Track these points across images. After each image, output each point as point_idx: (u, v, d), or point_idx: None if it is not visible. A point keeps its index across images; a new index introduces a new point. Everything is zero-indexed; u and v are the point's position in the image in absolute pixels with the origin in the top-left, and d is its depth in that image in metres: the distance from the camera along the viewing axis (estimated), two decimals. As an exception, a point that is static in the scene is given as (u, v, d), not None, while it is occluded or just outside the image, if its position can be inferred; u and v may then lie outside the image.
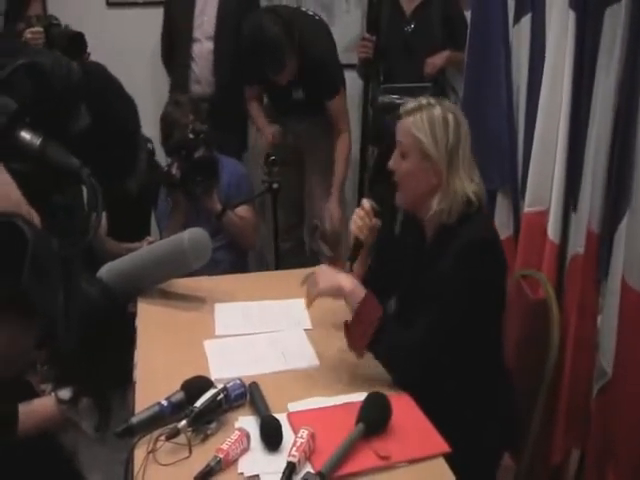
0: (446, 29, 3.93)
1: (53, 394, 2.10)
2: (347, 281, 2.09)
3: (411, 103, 2.15)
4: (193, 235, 2.53)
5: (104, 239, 3.88)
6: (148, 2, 4.33)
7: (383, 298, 2.26)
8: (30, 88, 1.09)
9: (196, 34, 4.19)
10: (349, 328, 2.06)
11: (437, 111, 2.11)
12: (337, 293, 2.09)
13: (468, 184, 2.11)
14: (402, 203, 2.23)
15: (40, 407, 2.06)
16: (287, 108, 4.02)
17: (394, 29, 3.96)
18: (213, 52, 4.17)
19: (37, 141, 1.07)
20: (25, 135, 1.07)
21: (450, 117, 2.11)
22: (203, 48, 4.19)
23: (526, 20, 2.65)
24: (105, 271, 2.59)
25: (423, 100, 2.14)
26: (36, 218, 1.03)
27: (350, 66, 4.36)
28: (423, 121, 2.10)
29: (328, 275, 2.14)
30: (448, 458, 1.78)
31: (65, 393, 2.11)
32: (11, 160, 1.06)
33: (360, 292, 2.05)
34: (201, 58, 4.19)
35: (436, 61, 3.88)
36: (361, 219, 2.30)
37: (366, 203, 2.31)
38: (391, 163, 2.19)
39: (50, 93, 1.12)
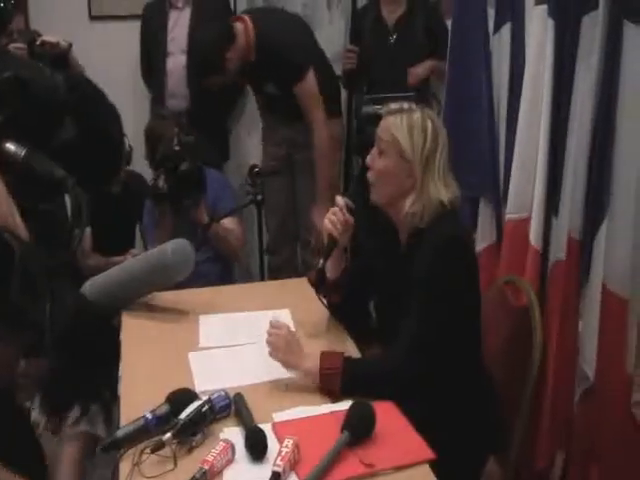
0: (428, 39, 3.96)
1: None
2: (302, 360, 2.09)
3: (394, 105, 2.20)
4: (176, 246, 2.53)
5: (88, 254, 3.88)
6: (130, 15, 4.33)
7: (362, 302, 2.28)
8: (15, 101, 1.10)
9: (170, 48, 4.21)
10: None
11: (417, 116, 2.15)
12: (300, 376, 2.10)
13: (443, 190, 2.13)
14: (376, 200, 2.23)
15: None
16: (269, 105, 4.03)
17: (377, 40, 3.99)
18: (186, 65, 4.17)
19: (22, 152, 1.07)
20: (10, 146, 1.07)
21: (429, 124, 2.14)
22: (177, 61, 4.20)
23: (506, 29, 2.68)
24: (88, 286, 2.59)
25: (405, 104, 2.19)
26: (23, 230, 1.03)
27: (334, 77, 4.39)
28: (402, 123, 2.13)
29: (287, 356, 2.11)
30: (433, 465, 1.78)
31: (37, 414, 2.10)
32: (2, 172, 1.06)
33: (314, 360, 2.06)
34: (175, 72, 4.21)
35: (419, 71, 3.91)
36: (334, 215, 2.30)
37: (340, 200, 2.31)
38: (368, 159, 2.21)
39: (35, 105, 1.12)
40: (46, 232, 1.14)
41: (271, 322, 2.16)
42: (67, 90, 1.18)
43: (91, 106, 1.25)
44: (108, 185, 1.33)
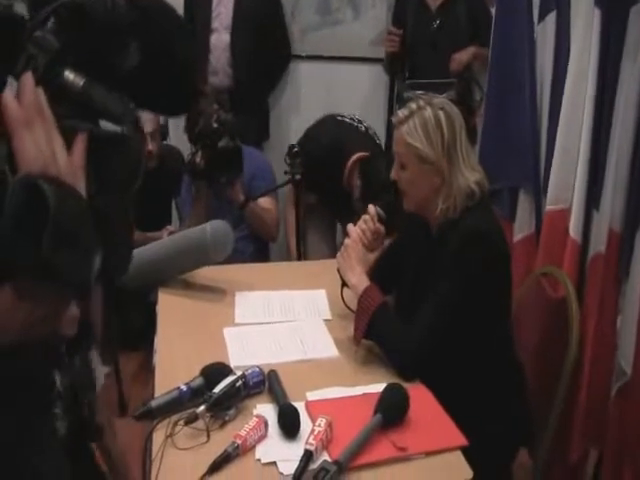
0: (471, 25, 3.93)
1: None
2: (353, 275, 2.19)
3: (402, 111, 2.16)
4: (215, 228, 2.52)
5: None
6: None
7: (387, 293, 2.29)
8: (72, 26, 1.04)
9: (214, 25, 4.21)
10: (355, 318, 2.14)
11: (428, 113, 2.11)
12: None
13: (470, 175, 2.12)
14: (409, 208, 2.24)
15: None
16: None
17: (420, 25, 3.97)
18: (230, 43, 4.18)
19: (81, 82, 1.02)
20: (69, 75, 1.01)
21: (441, 115, 2.11)
22: (220, 39, 4.20)
23: (551, 18, 2.65)
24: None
25: (413, 104, 2.15)
26: (72, 175, 0.96)
27: (376, 60, 4.38)
28: (416, 127, 2.11)
29: (341, 267, 2.24)
30: (464, 452, 1.78)
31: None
32: (57, 103, 0.99)
33: (362, 284, 2.15)
34: (218, 49, 4.21)
35: (462, 57, 3.88)
36: (365, 223, 2.29)
37: (372, 208, 2.30)
38: (393, 174, 2.21)
39: (93, 30, 1.06)
40: (107, 172, 1.08)
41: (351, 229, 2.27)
42: (128, 9, 1.11)
43: (158, 25, 1.18)
44: (184, 111, 1.26)
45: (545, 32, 2.71)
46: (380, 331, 2.08)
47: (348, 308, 2.31)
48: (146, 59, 1.09)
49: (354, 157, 3.43)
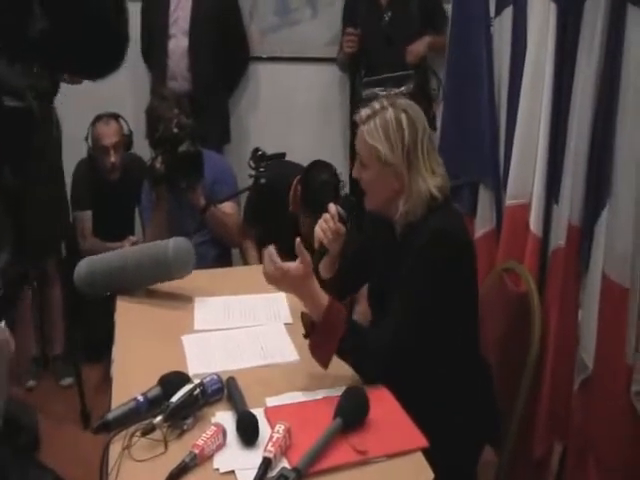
0: (423, 13, 3.93)
1: None
2: (307, 290, 1.99)
3: (365, 110, 2.13)
4: (178, 245, 2.48)
5: (88, 237, 3.88)
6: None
7: (354, 287, 2.26)
8: None
9: (172, 30, 4.19)
10: (312, 333, 2.00)
11: (389, 114, 2.08)
12: (297, 296, 2.03)
13: (431, 180, 2.09)
14: (370, 208, 2.22)
15: None
16: None
17: (371, 21, 3.96)
18: (188, 48, 4.16)
19: None
20: None
21: (403, 117, 2.08)
22: (179, 44, 4.19)
23: (507, 12, 2.65)
24: (85, 265, 2.57)
25: (376, 104, 2.12)
26: None
27: (333, 60, 4.37)
28: (377, 128, 2.08)
29: (291, 280, 1.99)
30: (427, 453, 1.76)
31: None
32: None
33: (321, 301, 1.97)
34: (176, 54, 4.19)
35: (417, 48, 3.89)
36: (326, 222, 2.27)
37: (332, 207, 2.28)
38: (354, 172, 2.19)
39: None
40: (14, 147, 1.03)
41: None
42: None
43: None
44: (108, 73, 1.19)
45: (502, 26, 2.71)
46: (349, 349, 1.99)
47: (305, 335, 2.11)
48: (56, 21, 1.05)
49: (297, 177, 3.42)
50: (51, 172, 1.08)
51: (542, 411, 2.48)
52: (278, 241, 3.54)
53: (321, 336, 1.98)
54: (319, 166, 3.36)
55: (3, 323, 2.30)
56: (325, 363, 1.99)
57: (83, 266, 2.58)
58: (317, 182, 3.28)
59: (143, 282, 2.57)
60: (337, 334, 1.96)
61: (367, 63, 4.01)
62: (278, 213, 3.56)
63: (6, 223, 0.89)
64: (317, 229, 2.28)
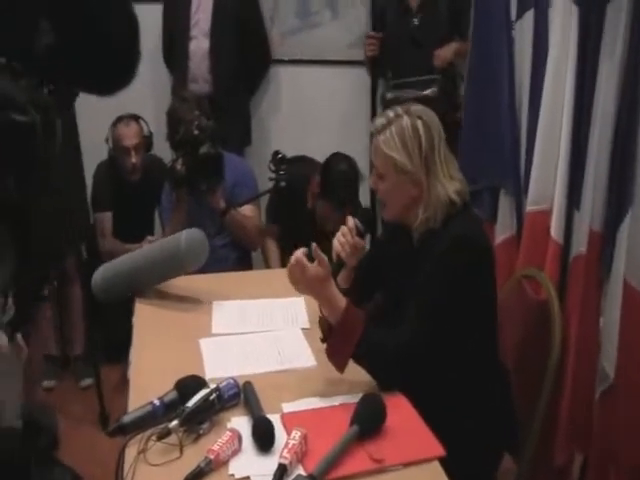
0: (452, 19, 3.90)
1: None
2: (326, 290, 1.98)
3: (379, 119, 2.12)
4: (190, 236, 2.49)
5: (108, 239, 3.90)
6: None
7: (368, 295, 2.24)
8: None
9: (193, 32, 4.18)
10: (330, 338, 2.00)
11: (405, 121, 2.07)
12: (314, 297, 2.02)
13: (449, 185, 2.08)
14: (389, 218, 2.21)
15: None
16: None
17: (400, 23, 3.94)
18: (209, 50, 4.16)
19: None
20: None
21: (419, 123, 2.07)
22: (200, 46, 4.18)
23: (529, 15, 2.63)
24: (102, 271, 2.58)
25: (390, 113, 2.11)
26: None
27: (356, 62, 4.35)
28: (393, 136, 2.06)
29: (311, 280, 1.98)
30: (444, 461, 1.74)
31: None
32: None
33: (340, 303, 1.97)
34: (197, 56, 4.18)
35: (445, 53, 3.85)
36: (344, 236, 2.27)
37: (350, 221, 2.28)
38: (371, 183, 2.19)
39: None
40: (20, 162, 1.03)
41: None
42: None
43: (70, 1, 1.11)
44: (117, 90, 1.16)
45: (523, 30, 2.69)
46: (366, 353, 1.98)
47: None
48: (63, 37, 1.04)
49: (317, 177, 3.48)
50: (57, 184, 1.08)
51: (562, 420, 2.45)
52: (298, 240, 3.59)
53: (338, 339, 1.97)
54: (339, 157, 3.47)
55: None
56: (341, 367, 1.99)
57: (99, 274, 2.59)
58: (336, 171, 3.35)
59: (157, 277, 2.58)
60: (354, 337, 1.95)
61: (393, 65, 4.00)
62: (298, 212, 3.58)
63: (8, 237, 0.89)
64: (335, 242, 2.28)
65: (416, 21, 3.89)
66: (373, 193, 2.22)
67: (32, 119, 0.98)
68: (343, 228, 2.28)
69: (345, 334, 1.95)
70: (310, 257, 1.98)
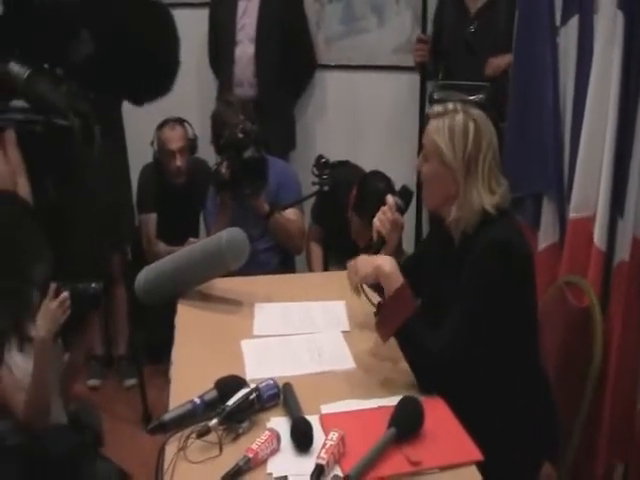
0: (509, 30, 3.87)
1: None
2: (386, 262, 2.06)
3: (438, 107, 2.13)
4: (231, 235, 2.52)
5: (153, 241, 3.95)
6: (195, 3, 4.36)
7: None
8: (15, 14, 1.01)
9: (238, 36, 4.22)
10: (381, 309, 2.07)
11: (459, 118, 2.07)
12: (376, 272, 2.07)
13: (486, 197, 2.07)
14: (426, 204, 2.24)
15: None
16: None
17: (457, 27, 3.92)
18: (254, 54, 4.19)
19: (25, 73, 0.99)
20: (13, 66, 0.98)
21: (471, 126, 2.07)
22: (245, 51, 4.21)
23: (573, 22, 2.62)
24: (144, 274, 2.62)
25: (450, 105, 2.11)
26: (23, 187, 0.94)
27: (402, 68, 4.35)
28: (444, 127, 2.07)
29: (367, 260, 2.13)
30: (481, 466, 1.74)
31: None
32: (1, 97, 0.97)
33: (398, 277, 2.03)
34: (242, 60, 4.21)
35: (499, 62, 3.81)
36: (383, 213, 2.28)
37: (390, 198, 2.30)
38: (417, 163, 2.19)
39: (38, 18, 1.03)
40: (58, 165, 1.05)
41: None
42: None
43: (110, 11, 1.13)
44: (154, 99, 1.16)
45: (567, 36, 2.68)
46: (410, 335, 2.02)
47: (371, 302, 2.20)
48: (102, 46, 1.06)
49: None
50: (99, 186, 1.10)
51: (603, 429, 2.43)
52: (340, 242, 3.61)
53: (392, 307, 2.02)
54: (377, 175, 3.50)
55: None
56: (387, 335, 2.03)
57: (141, 276, 2.63)
58: (371, 189, 3.36)
59: (199, 277, 2.60)
60: (406, 311, 1.99)
61: (445, 68, 3.99)
62: (340, 216, 3.60)
63: (44, 237, 0.90)
64: (375, 220, 2.30)
65: (472, 27, 3.87)
66: (418, 176, 2.22)
67: (72, 123, 1.01)
68: (383, 207, 2.30)
69: (399, 304, 2.01)
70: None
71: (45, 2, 1.01)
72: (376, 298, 2.18)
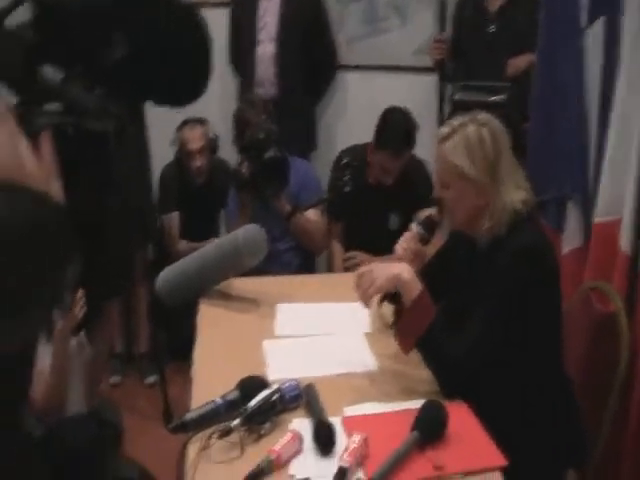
0: (530, 32, 3.85)
1: None
2: (404, 270, 2.02)
3: (444, 128, 2.11)
4: (248, 232, 2.52)
5: (177, 240, 3.96)
6: (216, 3, 4.35)
7: None
8: (48, 18, 1.00)
9: (260, 36, 4.21)
10: (401, 320, 2.04)
11: (471, 130, 2.05)
12: (395, 282, 2.02)
13: (515, 194, 2.05)
14: (454, 227, 2.21)
15: None
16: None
17: (476, 28, 3.90)
18: (275, 54, 4.18)
19: (58, 77, 0.98)
20: (47, 70, 0.97)
21: (485, 132, 2.04)
22: (266, 50, 4.20)
23: (599, 24, 2.59)
24: (165, 273, 2.62)
25: (455, 122, 2.09)
26: (39, 180, 0.91)
27: (423, 69, 4.33)
28: (459, 145, 2.04)
29: (384, 268, 2.06)
30: (506, 472, 1.72)
31: None
32: (36, 101, 0.96)
33: (417, 285, 2.00)
34: (264, 60, 4.20)
35: (519, 62, 3.79)
36: (406, 242, 2.27)
37: (414, 227, 2.28)
38: (435, 193, 2.18)
39: (71, 22, 1.01)
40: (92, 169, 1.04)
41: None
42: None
43: (143, 14, 1.11)
44: (186, 104, 1.15)
45: (594, 37, 2.66)
46: (432, 344, 1.99)
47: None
48: (135, 50, 1.05)
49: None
50: (126, 186, 1.09)
51: (629, 438, 2.39)
52: (362, 238, 3.59)
53: (412, 315, 1.98)
54: (395, 109, 3.59)
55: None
56: (409, 345, 2.00)
57: (161, 277, 2.64)
58: (391, 119, 3.51)
59: (218, 275, 2.61)
60: (427, 318, 1.97)
61: (465, 68, 3.97)
62: (360, 213, 3.59)
63: (75, 238, 0.89)
64: (398, 247, 2.28)
65: (493, 28, 3.85)
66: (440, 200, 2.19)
67: (106, 127, 1.00)
68: (406, 234, 2.28)
69: (420, 312, 1.97)
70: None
71: (77, 4, 0.99)
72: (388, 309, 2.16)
